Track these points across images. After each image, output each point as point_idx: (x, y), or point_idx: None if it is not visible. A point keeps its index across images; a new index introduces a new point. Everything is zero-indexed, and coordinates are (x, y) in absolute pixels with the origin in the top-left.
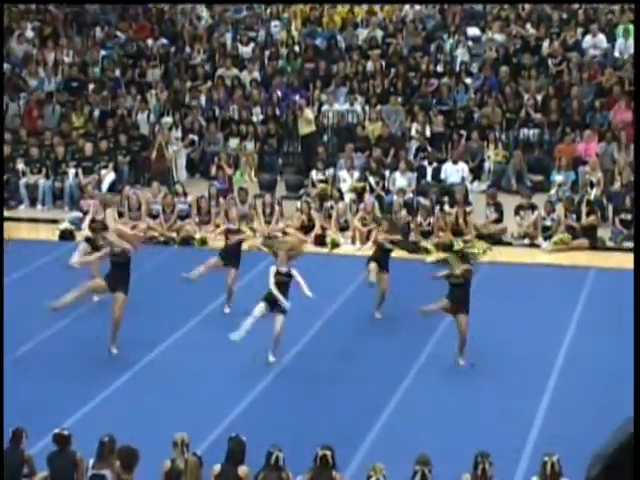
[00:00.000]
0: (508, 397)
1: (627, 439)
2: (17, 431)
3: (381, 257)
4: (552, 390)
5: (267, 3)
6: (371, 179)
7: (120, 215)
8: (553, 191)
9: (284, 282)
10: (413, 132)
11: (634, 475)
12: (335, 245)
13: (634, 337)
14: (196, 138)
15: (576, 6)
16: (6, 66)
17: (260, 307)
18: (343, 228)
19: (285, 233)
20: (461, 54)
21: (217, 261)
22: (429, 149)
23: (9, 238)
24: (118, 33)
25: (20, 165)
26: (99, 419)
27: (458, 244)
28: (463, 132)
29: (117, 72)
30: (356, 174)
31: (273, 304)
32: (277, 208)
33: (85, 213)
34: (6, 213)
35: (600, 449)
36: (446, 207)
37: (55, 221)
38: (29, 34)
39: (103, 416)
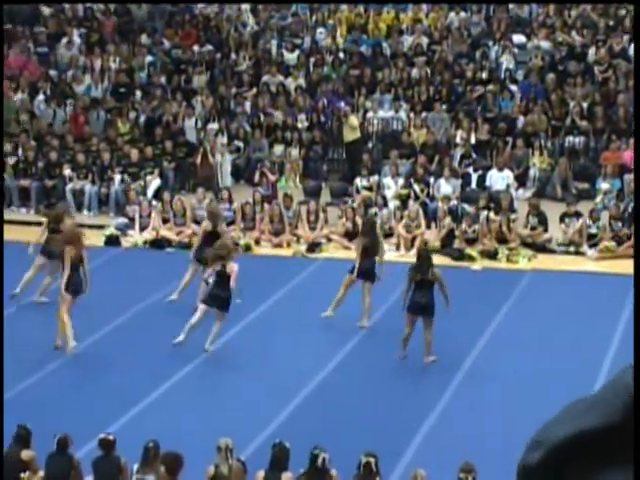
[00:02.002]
0: (552, 407)
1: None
2: (62, 438)
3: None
4: None
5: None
6: (415, 186)
7: (165, 221)
8: (599, 199)
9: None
10: (458, 139)
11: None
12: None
13: (634, 338)
14: (241, 144)
15: (623, 12)
16: (53, 72)
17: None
18: (387, 235)
19: (329, 239)
20: (506, 61)
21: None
22: (474, 156)
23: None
24: (164, 40)
25: (67, 171)
26: (143, 424)
27: (503, 252)
28: (508, 139)
29: (163, 78)
30: (400, 181)
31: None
32: (321, 215)
33: (131, 219)
34: None
35: (540, 433)
36: (491, 214)
37: (101, 227)
38: (76, 41)
39: (147, 422)
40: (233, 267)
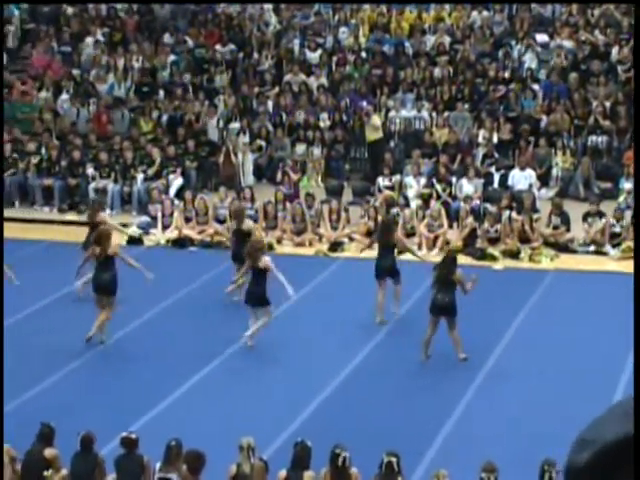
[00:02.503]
0: (574, 404)
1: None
2: (86, 436)
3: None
4: (619, 397)
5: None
6: (437, 186)
7: (187, 220)
8: (622, 198)
9: None
10: (480, 139)
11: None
12: (401, 251)
13: (634, 339)
14: (263, 143)
15: None
16: (76, 72)
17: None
18: (409, 234)
19: (351, 239)
20: (529, 60)
21: None
22: (496, 156)
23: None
24: (187, 39)
25: (89, 170)
26: (166, 423)
27: (525, 251)
28: (531, 139)
29: (186, 78)
30: (423, 180)
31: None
32: (343, 214)
33: (153, 218)
34: (75, 217)
35: (588, 432)
36: (513, 214)
37: (124, 225)
38: (99, 40)
39: (170, 420)
40: (267, 261)
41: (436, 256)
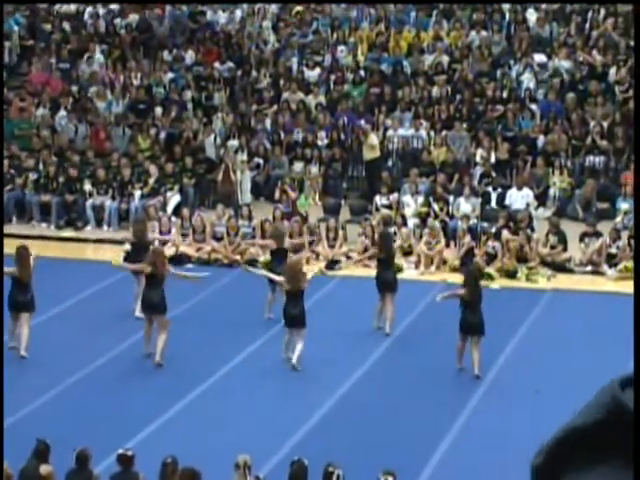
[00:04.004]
0: None
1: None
2: (82, 453)
3: None
4: None
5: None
6: (435, 205)
7: (184, 237)
8: (619, 219)
9: None
10: (478, 158)
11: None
12: (399, 270)
13: (634, 340)
14: (261, 161)
15: None
16: (75, 88)
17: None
18: (407, 253)
19: (348, 257)
20: (527, 80)
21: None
22: (494, 175)
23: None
24: (185, 56)
25: (87, 186)
26: (161, 440)
27: (522, 271)
28: (528, 158)
29: (185, 95)
30: (420, 199)
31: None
32: (341, 232)
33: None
34: (73, 234)
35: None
36: (509, 235)
37: (121, 242)
38: (98, 57)
39: (166, 437)
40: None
41: (433, 274)
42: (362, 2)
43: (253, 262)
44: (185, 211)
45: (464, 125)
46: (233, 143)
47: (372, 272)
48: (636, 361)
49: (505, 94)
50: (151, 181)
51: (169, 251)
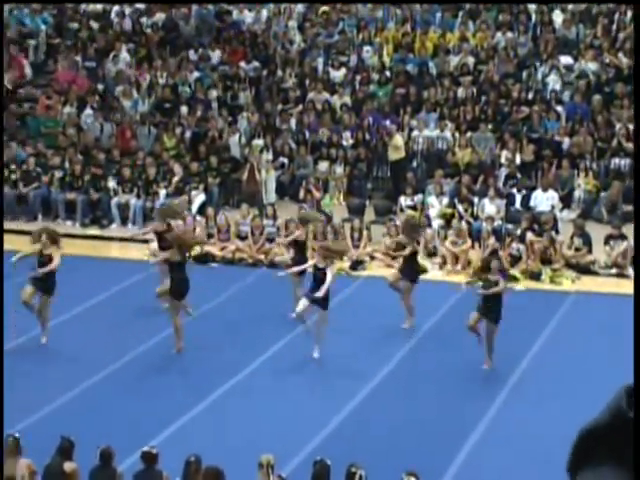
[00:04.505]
0: None
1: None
2: (106, 450)
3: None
4: None
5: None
6: (459, 206)
7: (209, 236)
8: None
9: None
10: (503, 159)
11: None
12: (423, 271)
13: (634, 340)
14: (286, 161)
15: None
16: (101, 87)
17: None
18: (431, 254)
19: (372, 257)
20: (553, 82)
21: None
22: (519, 176)
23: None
24: (211, 55)
25: (112, 184)
26: (185, 439)
27: (546, 272)
28: (553, 160)
29: (211, 94)
30: (445, 200)
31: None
32: (365, 232)
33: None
34: (98, 232)
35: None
36: (534, 236)
37: (146, 241)
38: (124, 56)
39: (190, 436)
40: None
41: (459, 274)
42: (388, 2)
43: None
44: (210, 210)
45: (489, 126)
46: (258, 142)
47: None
48: (636, 361)
49: (531, 96)
50: (175, 180)
51: (193, 250)
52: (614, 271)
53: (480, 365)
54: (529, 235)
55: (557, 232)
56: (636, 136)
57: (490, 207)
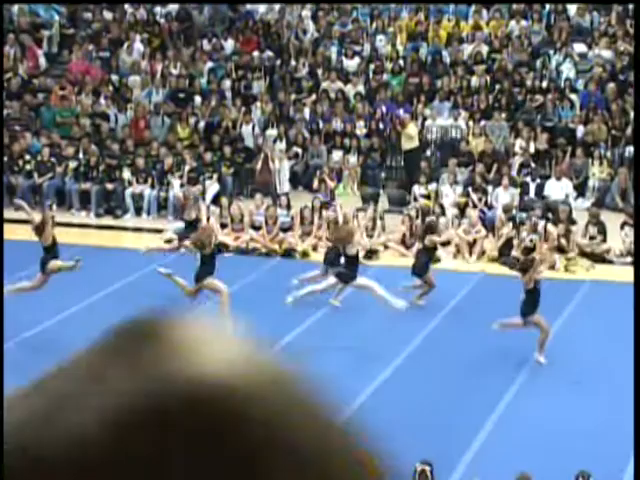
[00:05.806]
0: (609, 416)
1: None
2: None
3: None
4: None
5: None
6: (473, 195)
7: (223, 226)
8: None
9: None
10: (517, 148)
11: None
12: (437, 260)
13: (634, 340)
14: (300, 151)
15: None
16: (115, 77)
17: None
18: (444, 243)
19: (386, 247)
20: (567, 70)
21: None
22: (533, 165)
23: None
24: (225, 45)
25: (126, 174)
26: None
27: (561, 261)
28: (567, 149)
29: (224, 84)
30: (458, 189)
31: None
32: (379, 222)
33: (190, 223)
34: (112, 222)
35: None
36: (549, 224)
37: (159, 231)
38: (138, 46)
39: None
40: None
41: (473, 264)
42: (397, 2)
43: (291, 252)
44: (224, 200)
45: (503, 115)
46: (272, 132)
47: (410, 261)
48: (636, 360)
49: (545, 84)
50: (186, 169)
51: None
52: (629, 260)
53: (492, 354)
54: (543, 224)
55: (572, 222)
56: (636, 136)
57: (504, 196)
